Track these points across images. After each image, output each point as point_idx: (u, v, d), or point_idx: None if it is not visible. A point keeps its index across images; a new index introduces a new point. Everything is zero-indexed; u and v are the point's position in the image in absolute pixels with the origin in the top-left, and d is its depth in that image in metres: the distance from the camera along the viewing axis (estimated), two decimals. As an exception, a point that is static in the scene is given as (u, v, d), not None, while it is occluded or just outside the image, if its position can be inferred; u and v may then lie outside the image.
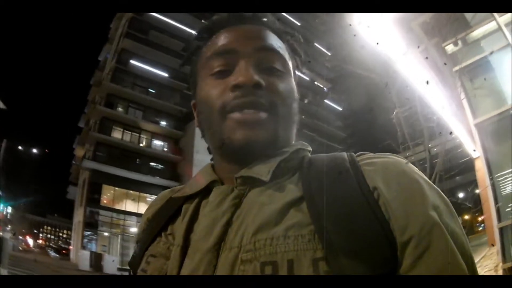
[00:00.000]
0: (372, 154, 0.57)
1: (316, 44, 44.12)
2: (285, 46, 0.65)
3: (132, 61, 22.34)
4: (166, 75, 24.10)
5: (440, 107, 5.70)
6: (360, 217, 0.46)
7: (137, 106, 22.28)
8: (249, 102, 0.55)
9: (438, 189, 0.52)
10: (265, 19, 0.65)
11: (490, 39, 5.84)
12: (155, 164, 21.91)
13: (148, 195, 21.08)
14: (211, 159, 0.67)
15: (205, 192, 0.60)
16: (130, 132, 21.56)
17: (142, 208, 20.72)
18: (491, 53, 5.55)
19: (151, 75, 23.46)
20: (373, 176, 0.51)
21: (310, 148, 0.63)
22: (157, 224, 0.63)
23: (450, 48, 6.10)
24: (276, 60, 0.60)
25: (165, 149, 23.10)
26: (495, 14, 5.54)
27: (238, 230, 0.51)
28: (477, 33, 5.81)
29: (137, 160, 20.89)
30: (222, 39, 0.61)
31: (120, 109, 21.60)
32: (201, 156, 21.87)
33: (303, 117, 35.09)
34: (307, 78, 40.31)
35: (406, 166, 0.53)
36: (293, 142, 0.63)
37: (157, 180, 20.98)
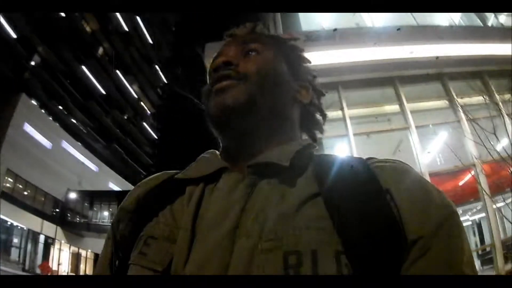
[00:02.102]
0: (380, 158, 0.67)
1: (156, 66, 49.89)
2: (273, 41, 0.82)
3: (-9, 8, 22.55)
4: (14, 36, 24.91)
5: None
6: (376, 219, 0.55)
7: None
8: (220, 75, 0.70)
9: (443, 192, 0.61)
10: (256, 29, 0.84)
11: (332, 125, 7.10)
12: (-34, 124, 21.41)
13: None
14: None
15: (211, 177, 0.68)
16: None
17: None
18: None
19: (0, 30, 23.78)
20: (385, 179, 0.60)
21: (316, 145, 0.74)
22: (152, 204, 0.69)
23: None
24: (254, 47, 0.76)
25: (-18, 113, 22.89)
26: (344, 104, 7.25)
27: (256, 218, 0.58)
28: None
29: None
30: (219, 49, 0.80)
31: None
32: (15, 134, 23.10)
33: (118, 130, 39.26)
34: (135, 96, 44.98)
35: (414, 172, 0.63)
36: (297, 130, 0.78)
37: (-37, 142, 20.88)
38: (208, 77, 0.77)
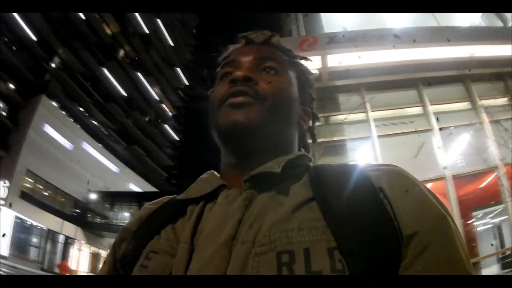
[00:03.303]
0: (375, 163, 0.69)
1: (178, 69, 50.10)
2: (289, 60, 0.83)
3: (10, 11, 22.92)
4: (34, 38, 25.16)
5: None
6: (368, 214, 0.56)
7: (-6, 58, 22.02)
8: (238, 90, 0.71)
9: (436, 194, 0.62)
10: (272, 41, 0.84)
11: (355, 127, 7.45)
12: (-11, 124, 21.80)
13: (-27, 155, 21.39)
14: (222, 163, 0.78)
15: (211, 196, 0.70)
16: (-22, 83, 21.24)
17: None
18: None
19: (21, 32, 24.12)
20: (378, 179, 0.61)
21: (311, 158, 0.76)
22: (154, 223, 0.72)
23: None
24: (272, 64, 0.77)
25: (4, 113, 23.43)
26: (368, 107, 7.27)
27: (251, 227, 0.60)
28: (343, 117, 7.21)
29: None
30: (232, 54, 0.82)
31: (-22, 54, 21.10)
32: (35, 135, 23.43)
33: (139, 132, 39.51)
34: (156, 98, 45.24)
35: (407, 173, 0.64)
36: (296, 148, 0.79)
37: (-15, 142, 21.10)
38: (218, 81, 0.80)
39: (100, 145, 32.29)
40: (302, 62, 0.87)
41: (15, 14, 23.07)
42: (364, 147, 7.60)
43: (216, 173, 0.77)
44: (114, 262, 0.75)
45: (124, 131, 37.19)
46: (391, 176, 0.63)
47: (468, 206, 7.40)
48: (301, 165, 0.72)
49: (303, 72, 0.86)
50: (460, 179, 7.23)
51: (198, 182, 0.76)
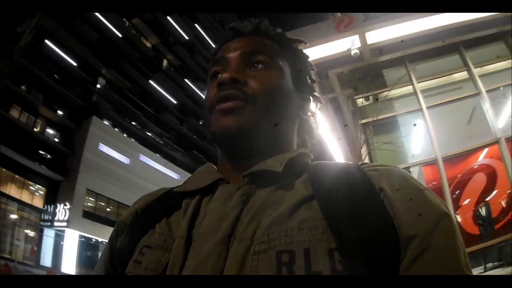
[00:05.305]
0: (374, 163, 0.68)
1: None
2: (280, 48, 0.79)
3: (47, 41, 23.24)
4: (75, 64, 25.56)
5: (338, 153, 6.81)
6: (369, 214, 0.55)
7: (40, 89, 23.01)
8: (226, 94, 0.68)
9: (436, 194, 0.61)
10: (262, 28, 0.79)
11: (403, 101, 7.36)
12: (44, 152, 22.76)
13: (31, 183, 22.04)
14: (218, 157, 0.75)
15: (207, 190, 0.68)
16: (27, 114, 22.22)
17: (25, 196, 21.93)
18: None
19: (61, 60, 24.55)
20: (378, 179, 0.60)
21: (312, 156, 0.74)
22: (149, 217, 0.70)
23: (361, 101, 7.34)
24: (261, 58, 0.73)
25: (57, 140, 24.20)
26: (413, 78, 7.11)
27: (249, 224, 0.58)
28: (391, 93, 7.10)
29: (29, 145, 21.33)
30: (219, 52, 0.79)
31: (23, 87, 22.17)
32: (90, 155, 23.69)
33: (195, 137, 39.52)
34: (208, 100, 44.90)
35: (407, 174, 0.63)
36: (295, 142, 0.76)
37: (43, 170, 21.99)
38: (209, 81, 0.77)
39: (158, 155, 32.45)
40: (296, 45, 0.84)
41: (51, 44, 23.52)
42: (414, 120, 7.26)
43: (214, 166, 0.75)
44: (111, 256, 0.73)
45: (180, 138, 37.32)
46: (391, 176, 0.61)
47: (525, 169, 6.79)
48: (301, 162, 0.70)
49: (297, 57, 0.82)
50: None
51: (195, 175, 0.74)
